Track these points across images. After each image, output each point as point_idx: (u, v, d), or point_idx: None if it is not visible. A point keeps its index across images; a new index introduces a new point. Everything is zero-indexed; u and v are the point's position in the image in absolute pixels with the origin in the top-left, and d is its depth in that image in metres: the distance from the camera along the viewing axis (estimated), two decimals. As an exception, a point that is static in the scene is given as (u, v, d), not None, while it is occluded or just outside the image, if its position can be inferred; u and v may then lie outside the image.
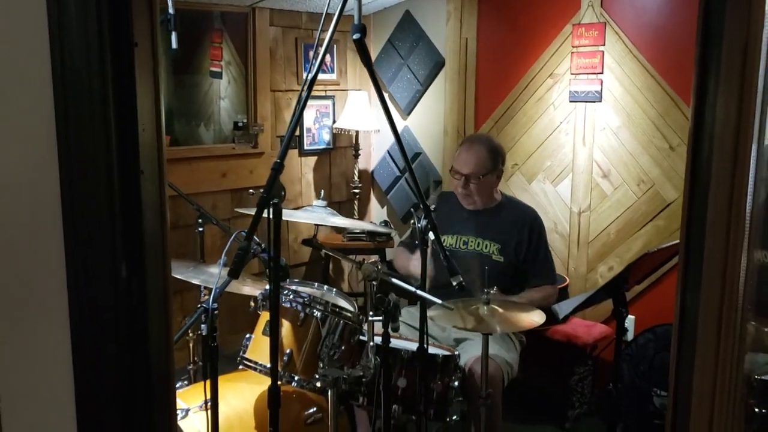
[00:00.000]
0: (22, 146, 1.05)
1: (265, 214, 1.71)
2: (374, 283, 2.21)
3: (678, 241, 2.45)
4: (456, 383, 2.58)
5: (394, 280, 2.23)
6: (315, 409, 2.66)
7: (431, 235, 2.18)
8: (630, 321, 3.64)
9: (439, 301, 2.18)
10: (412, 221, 2.15)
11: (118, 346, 1.10)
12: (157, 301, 1.20)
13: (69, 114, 1.06)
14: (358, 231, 4.40)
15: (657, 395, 3.27)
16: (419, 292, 2.15)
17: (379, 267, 2.22)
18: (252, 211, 2.29)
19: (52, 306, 1.09)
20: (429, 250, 2.21)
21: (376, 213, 4.83)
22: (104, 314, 1.12)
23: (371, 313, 2.08)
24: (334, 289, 2.85)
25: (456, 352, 2.66)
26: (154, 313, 1.19)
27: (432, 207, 2.20)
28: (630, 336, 3.63)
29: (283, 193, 1.74)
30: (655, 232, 3.52)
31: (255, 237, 2.37)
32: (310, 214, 2.28)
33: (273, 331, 1.75)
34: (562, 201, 3.86)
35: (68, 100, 1.06)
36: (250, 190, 1.92)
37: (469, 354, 2.82)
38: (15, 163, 1.05)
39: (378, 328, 2.18)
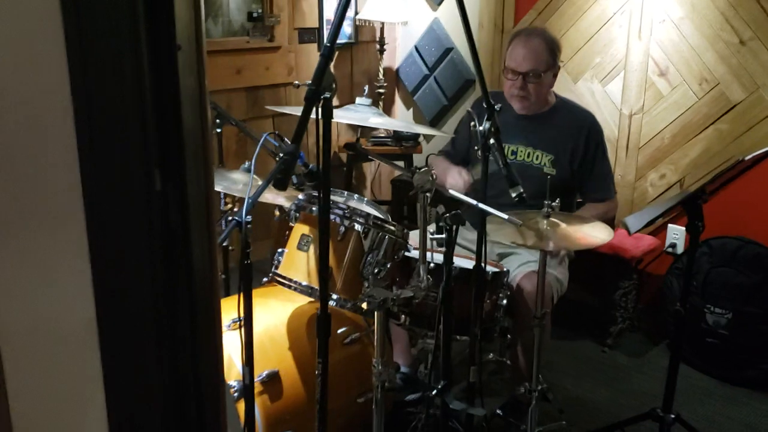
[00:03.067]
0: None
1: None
2: (428, 195, 1.93)
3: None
4: (504, 301, 2.36)
5: (453, 192, 1.95)
6: (349, 327, 2.45)
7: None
8: (680, 232, 3.39)
9: (506, 216, 1.91)
10: (472, 123, 1.85)
11: (153, 289, 0.84)
12: (200, 223, 0.92)
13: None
14: (383, 135, 4.08)
15: (711, 312, 3.06)
16: (481, 205, 1.87)
17: (434, 176, 1.93)
18: (285, 110, 1.99)
19: (65, 236, 0.81)
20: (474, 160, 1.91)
21: (402, 115, 4.49)
22: (134, 242, 0.85)
23: (431, 230, 1.81)
24: (365, 199, 2.58)
25: (505, 269, 2.42)
26: (197, 241, 0.92)
27: (497, 107, 1.89)
28: (680, 249, 3.39)
29: (334, 85, 1.43)
30: (717, 137, 3.21)
31: (278, 135, 2.09)
32: (354, 114, 1.97)
33: (323, 254, 1.49)
34: (612, 102, 3.52)
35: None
36: (296, 82, 1.61)
37: (517, 270, 2.58)
38: None
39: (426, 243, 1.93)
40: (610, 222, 2.90)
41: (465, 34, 1.69)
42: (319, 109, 1.42)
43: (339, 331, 2.43)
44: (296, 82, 1.59)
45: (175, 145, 0.85)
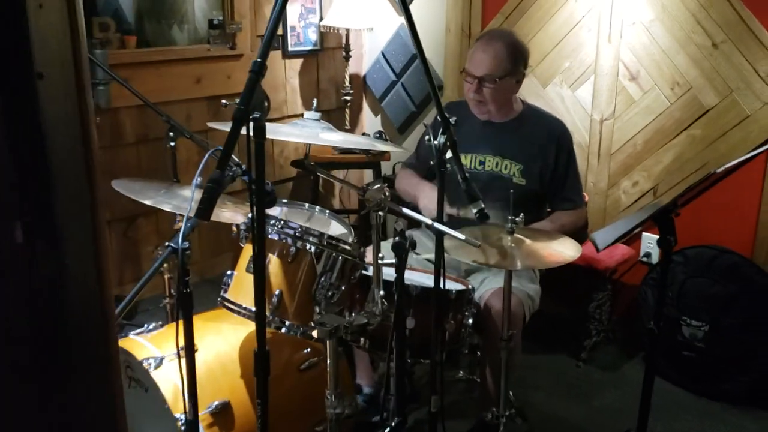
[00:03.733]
0: None
1: (243, 131, 1.29)
2: (381, 213, 1.81)
3: (745, 156, 2.07)
4: (470, 320, 2.24)
5: (406, 211, 1.83)
6: (309, 350, 2.33)
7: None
8: (655, 241, 3.29)
9: (463, 237, 1.79)
10: (426, 137, 1.73)
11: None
12: (82, 274, 0.80)
13: None
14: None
15: (687, 324, 2.97)
16: (437, 225, 1.75)
17: (387, 194, 1.81)
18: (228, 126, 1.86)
19: None
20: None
21: (369, 122, 4.36)
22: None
23: (382, 255, 1.69)
24: (327, 211, 2.46)
25: (470, 286, 2.31)
26: (78, 296, 0.79)
27: (453, 120, 1.77)
28: (655, 259, 3.30)
29: (266, 104, 1.31)
30: (690, 143, 3.11)
31: (233, 156, 1.96)
32: (301, 129, 1.84)
33: (258, 282, 1.36)
34: (582, 107, 3.42)
35: None
36: (223, 101, 1.48)
37: (484, 287, 2.47)
38: None
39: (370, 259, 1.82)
40: (582, 230, 2.79)
41: (413, 44, 1.57)
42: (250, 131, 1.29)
43: (296, 355, 2.31)
44: (224, 101, 1.46)
45: (39, 188, 0.73)
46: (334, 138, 1.87)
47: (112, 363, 0.88)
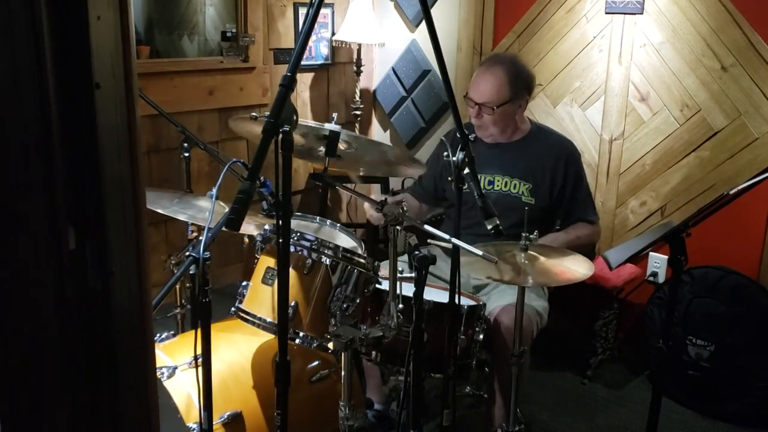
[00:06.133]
0: None
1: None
2: (398, 227, 1.83)
3: (758, 178, 2.09)
4: (480, 336, 2.26)
5: (425, 227, 1.85)
6: (318, 363, 2.34)
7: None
8: (661, 261, 3.32)
9: (480, 252, 1.81)
10: (445, 153, 1.75)
11: (68, 358, 0.72)
12: (126, 278, 0.81)
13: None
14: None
15: (693, 344, 2.98)
16: (455, 240, 1.77)
17: (404, 209, 1.83)
18: (248, 133, 1.89)
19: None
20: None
21: (378, 137, 4.39)
22: (43, 307, 0.73)
23: (401, 269, 1.71)
24: (338, 225, 2.48)
25: (481, 302, 2.33)
26: (121, 298, 0.81)
27: (471, 137, 1.80)
28: (661, 278, 3.32)
29: (295, 117, 1.33)
30: (698, 164, 3.14)
31: (243, 164, 1.98)
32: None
33: (282, 296, 1.38)
34: (592, 127, 3.45)
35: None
36: (253, 114, 1.50)
37: (494, 303, 2.48)
38: None
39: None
40: (593, 246, 2.81)
41: (437, 63, 1.60)
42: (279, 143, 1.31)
43: (307, 367, 2.32)
44: (254, 114, 1.49)
45: (92, 196, 0.75)
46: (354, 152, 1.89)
47: (150, 362, 0.90)
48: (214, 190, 1.88)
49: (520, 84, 2.60)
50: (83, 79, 0.70)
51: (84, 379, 0.75)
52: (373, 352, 2.12)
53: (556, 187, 2.63)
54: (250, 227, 2.38)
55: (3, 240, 0.66)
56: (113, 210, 0.78)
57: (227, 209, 1.88)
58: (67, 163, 0.71)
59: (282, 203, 1.35)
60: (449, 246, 1.84)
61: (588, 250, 2.67)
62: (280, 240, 1.37)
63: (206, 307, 1.74)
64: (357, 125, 4.12)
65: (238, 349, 2.27)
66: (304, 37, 1.36)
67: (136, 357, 0.85)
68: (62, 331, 0.72)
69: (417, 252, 1.69)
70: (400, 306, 1.84)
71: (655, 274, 3.34)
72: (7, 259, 0.67)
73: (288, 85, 1.31)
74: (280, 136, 1.30)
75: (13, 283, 0.68)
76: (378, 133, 4.41)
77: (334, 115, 1.88)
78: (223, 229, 1.31)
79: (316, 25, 4.00)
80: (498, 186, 2.65)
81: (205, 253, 1.68)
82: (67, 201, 0.71)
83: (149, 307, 0.89)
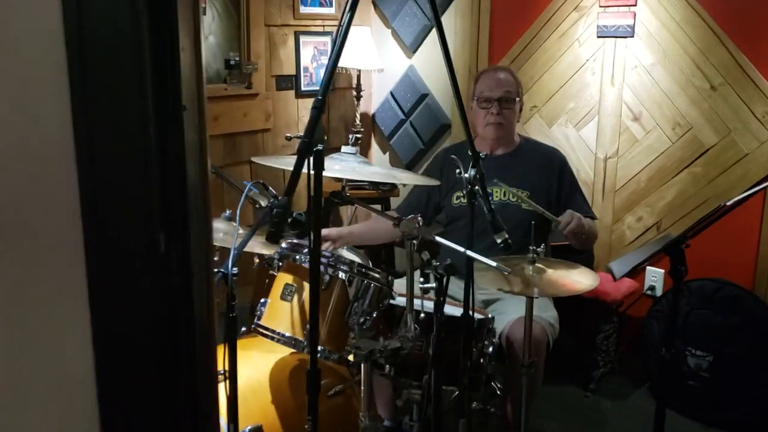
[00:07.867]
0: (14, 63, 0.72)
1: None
2: (414, 242, 1.91)
3: (754, 190, 2.20)
4: (490, 349, 2.33)
5: (440, 240, 1.93)
6: (333, 378, 2.40)
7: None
8: (659, 275, 3.42)
9: (494, 264, 1.90)
10: (458, 170, 1.85)
11: (155, 355, 0.80)
12: (201, 279, 0.90)
13: (83, 23, 0.73)
14: (360, 179, 4.07)
15: (692, 354, 3.07)
16: (469, 252, 1.86)
17: (420, 224, 1.92)
18: (268, 162, 1.98)
19: (67, 301, 0.78)
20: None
21: (378, 160, 4.50)
22: (134, 305, 0.81)
23: (421, 279, 1.79)
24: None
25: (489, 315, 2.40)
26: (199, 298, 0.89)
27: (482, 155, 1.90)
28: (659, 291, 3.42)
29: (326, 137, 1.42)
30: (691, 180, 3.26)
31: (270, 188, 2.07)
32: (340, 164, 1.96)
33: (312, 307, 1.46)
34: (587, 146, 3.57)
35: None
36: (287, 135, 1.60)
37: (505, 317, 2.55)
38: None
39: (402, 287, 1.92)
40: (594, 238, 2.88)
41: (450, 82, 1.70)
42: (311, 162, 1.40)
43: (322, 382, 2.38)
44: (288, 134, 1.58)
45: (179, 205, 0.83)
46: (376, 170, 1.98)
47: (214, 362, 0.98)
48: (238, 211, 1.95)
49: (520, 87, 2.83)
50: (174, 103, 0.79)
51: (171, 365, 0.83)
52: (387, 366, 2.19)
53: (552, 193, 2.76)
54: (256, 248, 2.42)
55: (120, 244, 0.75)
56: (194, 217, 0.86)
57: (239, 229, 1.98)
58: (160, 176, 0.79)
59: (313, 218, 1.43)
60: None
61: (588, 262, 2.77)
62: (311, 255, 1.45)
63: (233, 322, 1.82)
64: (357, 149, 4.20)
65: (254, 365, 2.33)
66: (332, 64, 1.45)
67: (206, 354, 0.93)
68: (156, 319, 0.81)
69: (435, 262, 1.77)
70: (422, 315, 1.92)
71: (652, 288, 3.44)
72: (122, 259, 0.75)
73: (320, 107, 1.40)
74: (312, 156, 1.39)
75: (126, 277, 0.76)
76: (377, 154, 4.52)
77: (351, 136, 1.97)
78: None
79: (316, 53, 4.12)
80: (497, 196, 2.75)
81: (233, 269, 1.76)
82: (159, 209, 0.80)
83: (213, 309, 0.97)
